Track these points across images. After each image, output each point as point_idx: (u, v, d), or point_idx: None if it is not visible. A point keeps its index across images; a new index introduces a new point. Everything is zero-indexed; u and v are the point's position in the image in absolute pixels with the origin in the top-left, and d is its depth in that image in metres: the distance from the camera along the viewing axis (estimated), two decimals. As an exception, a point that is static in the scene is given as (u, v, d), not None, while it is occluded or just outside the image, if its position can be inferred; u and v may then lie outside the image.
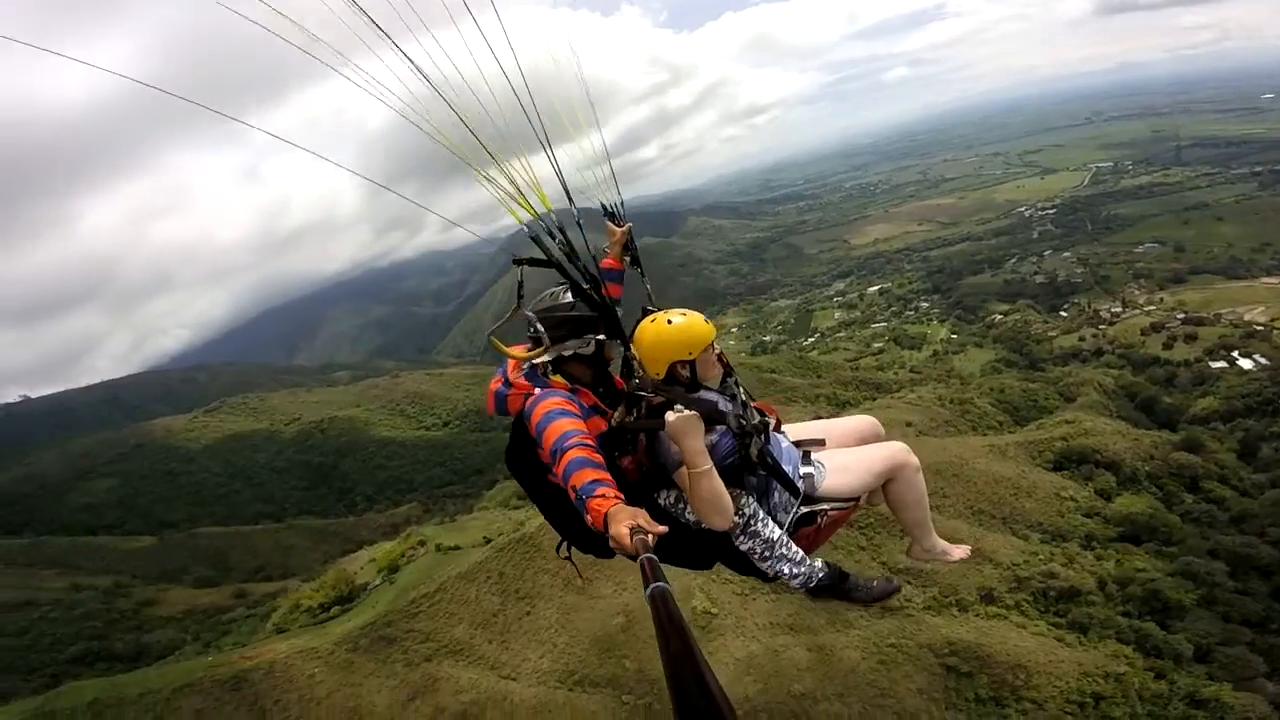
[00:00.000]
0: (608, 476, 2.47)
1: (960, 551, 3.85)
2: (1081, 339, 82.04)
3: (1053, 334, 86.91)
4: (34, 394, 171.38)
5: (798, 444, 3.49)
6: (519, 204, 2.12)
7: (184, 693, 29.58)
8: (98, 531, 75.92)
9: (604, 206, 3.77)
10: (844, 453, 3.52)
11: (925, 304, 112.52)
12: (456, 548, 43.94)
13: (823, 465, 3.38)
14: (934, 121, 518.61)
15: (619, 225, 3.89)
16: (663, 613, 1.27)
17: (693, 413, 2.83)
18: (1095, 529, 41.29)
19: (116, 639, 49.17)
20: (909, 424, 55.46)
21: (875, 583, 3.65)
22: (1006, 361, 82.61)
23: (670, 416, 2.82)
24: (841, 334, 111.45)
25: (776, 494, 3.22)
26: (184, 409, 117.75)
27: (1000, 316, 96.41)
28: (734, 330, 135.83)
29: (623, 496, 2.36)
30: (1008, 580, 36.47)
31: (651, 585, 1.42)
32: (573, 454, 2.55)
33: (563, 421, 2.73)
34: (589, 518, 2.29)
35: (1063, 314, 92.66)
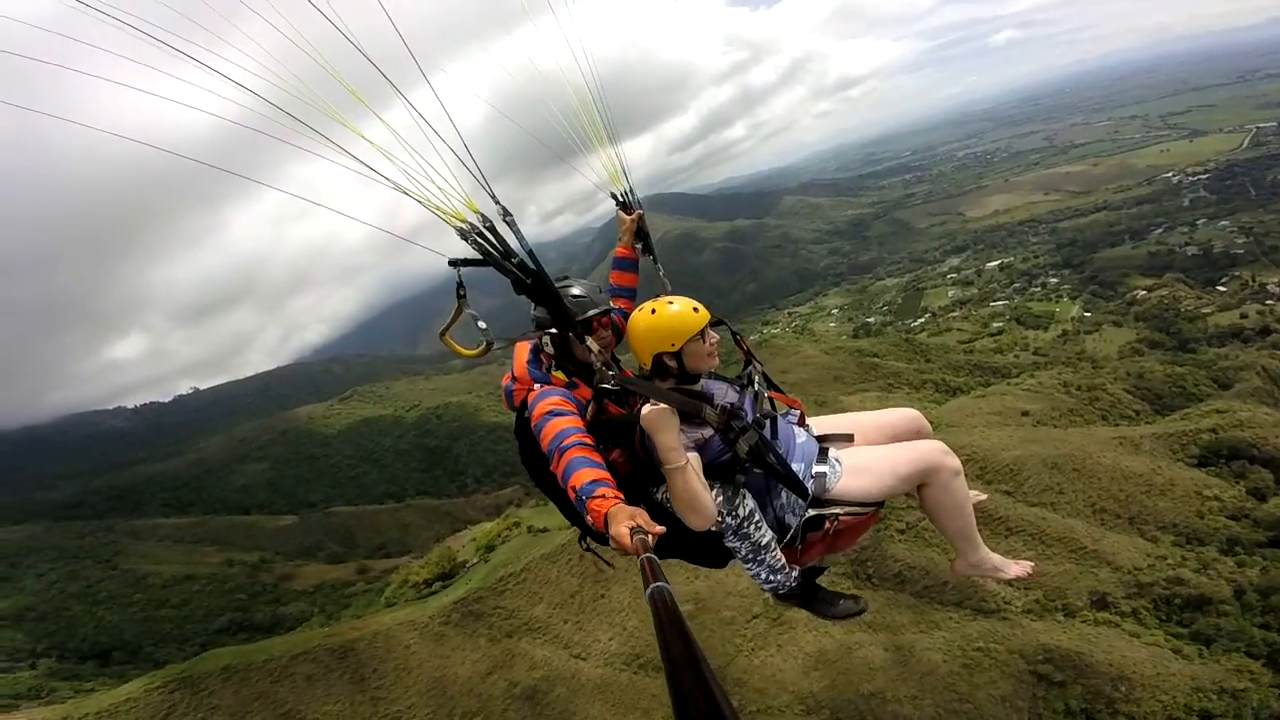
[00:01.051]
0: (607, 476, 2.51)
1: (1018, 569, 3.43)
2: (1243, 316, 71.01)
3: (1207, 311, 75.76)
4: (202, 386, 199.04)
5: (823, 439, 3.25)
6: (447, 212, 2.21)
7: (299, 659, 33.29)
8: (250, 511, 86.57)
9: (614, 196, 3.71)
10: (867, 451, 3.21)
11: (1054, 279, 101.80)
12: (545, 530, 45.89)
13: (839, 464, 3.09)
14: (1056, 85, 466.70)
15: (630, 213, 3.82)
16: (662, 613, 1.28)
17: (664, 406, 2.73)
18: (1241, 532, 36.14)
19: (258, 611, 56.41)
20: (1025, 413, 50.96)
21: (842, 601, 3.38)
22: (1150, 342, 73.03)
23: (645, 410, 2.75)
24: (955, 314, 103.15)
25: (783, 494, 3.03)
26: (323, 398, 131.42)
27: (1144, 293, 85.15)
28: (835, 312, 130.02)
29: (622, 496, 2.40)
30: (1126, 585, 32.99)
31: (651, 585, 1.42)
32: (571, 454, 2.59)
33: (559, 421, 2.77)
34: (589, 518, 2.34)
35: (1220, 288, 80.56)
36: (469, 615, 36.74)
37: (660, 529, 2.10)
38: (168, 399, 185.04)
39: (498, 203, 2.32)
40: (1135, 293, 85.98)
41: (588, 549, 3.19)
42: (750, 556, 3.01)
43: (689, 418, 2.84)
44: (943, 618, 31.19)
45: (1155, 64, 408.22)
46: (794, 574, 3.13)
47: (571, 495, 2.48)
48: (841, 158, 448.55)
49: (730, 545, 3.01)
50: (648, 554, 1.74)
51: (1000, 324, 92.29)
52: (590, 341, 2.90)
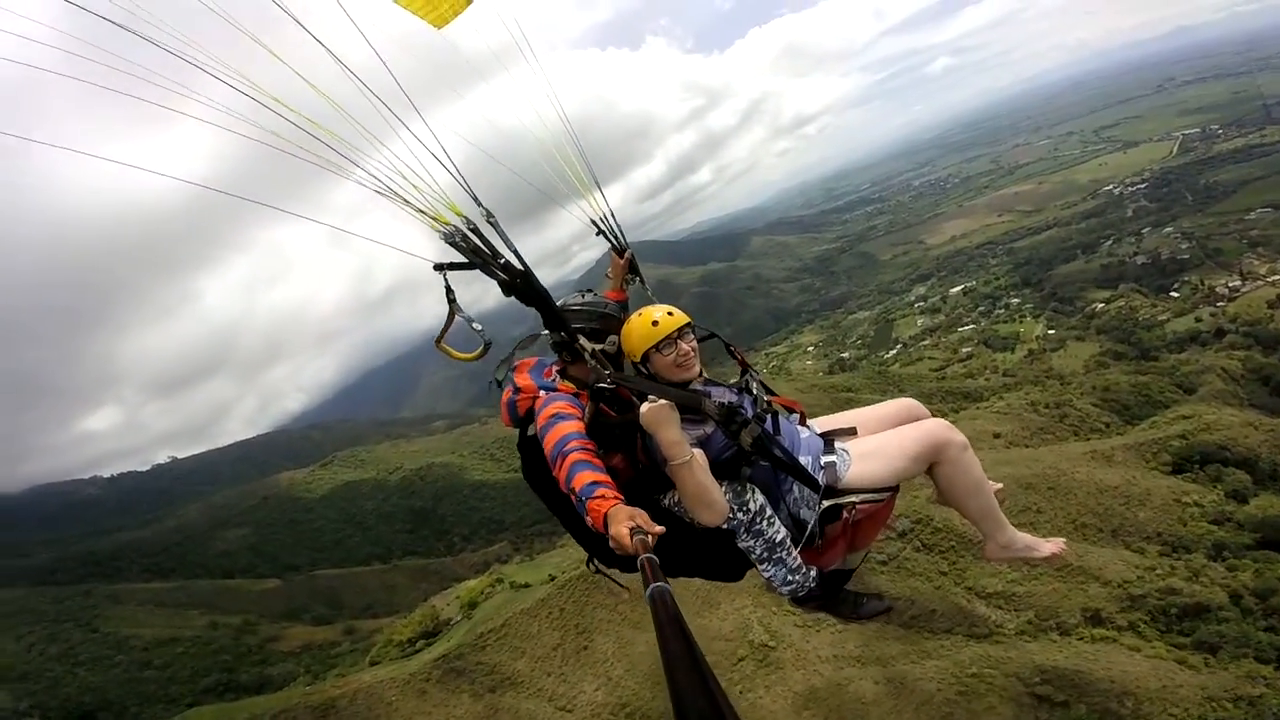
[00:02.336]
0: (607, 478, 2.49)
1: (1052, 546, 3.33)
2: (1198, 320, 73.48)
3: (1164, 318, 78.39)
4: (181, 454, 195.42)
5: (827, 435, 3.21)
6: (430, 216, 2.17)
7: (280, 717, 32.29)
8: (233, 575, 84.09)
9: (597, 224, 3.64)
10: (872, 438, 3.18)
11: (1015, 300, 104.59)
12: (526, 585, 45.63)
13: (846, 453, 3.07)
14: (995, 108, 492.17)
15: (621, 255, 3.78)
16: (662, 613, 1.27)
17: (664, 402, 2.66)
18: (1226, 536, 36.31)
19: (243, 672, 54.69)
20: (996, 435, 51.48)
21: (866, 600, 3.37)
22: (1114, 354, 74.95)
23: (643, 407, 2.68)
24: (926, 342, 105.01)
25: (794, 489, 2.95)
26: (304, 464, 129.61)
27: (1102, 305, 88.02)
28: (810, 349, 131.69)
29: (622, 497, 2.38)
30: (1119, 599, 32.73)
31: (651, 585, 1.42)
32: (573, 458, 2.57)
33: (564, 425, 2.75)
34: (589, 519, 2.32)
35: (1173, 295, 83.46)
36: (451, 672, 36.06)
37: (660, 529, 2.08)
38: (145, 468, 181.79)
39: (480, 205, 2.33)
40: (1094, 306, 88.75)
41: (597, 570, 3.10)
42: (765, 555, 2.94)
43: (689, 415, 2.79)
44: (934, 646, 30.86)
45: (1082, 79, 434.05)
46: (812, 574, 3.05)
47: (573, 498, 2.47)
48: (805, 194, 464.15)
49: (744, 545, 2.94)
50: (648, 554, 1.72)
51: (969, 348, 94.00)
52: (584, 341, 2.88)
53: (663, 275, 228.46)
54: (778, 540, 2.90)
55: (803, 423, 3.25)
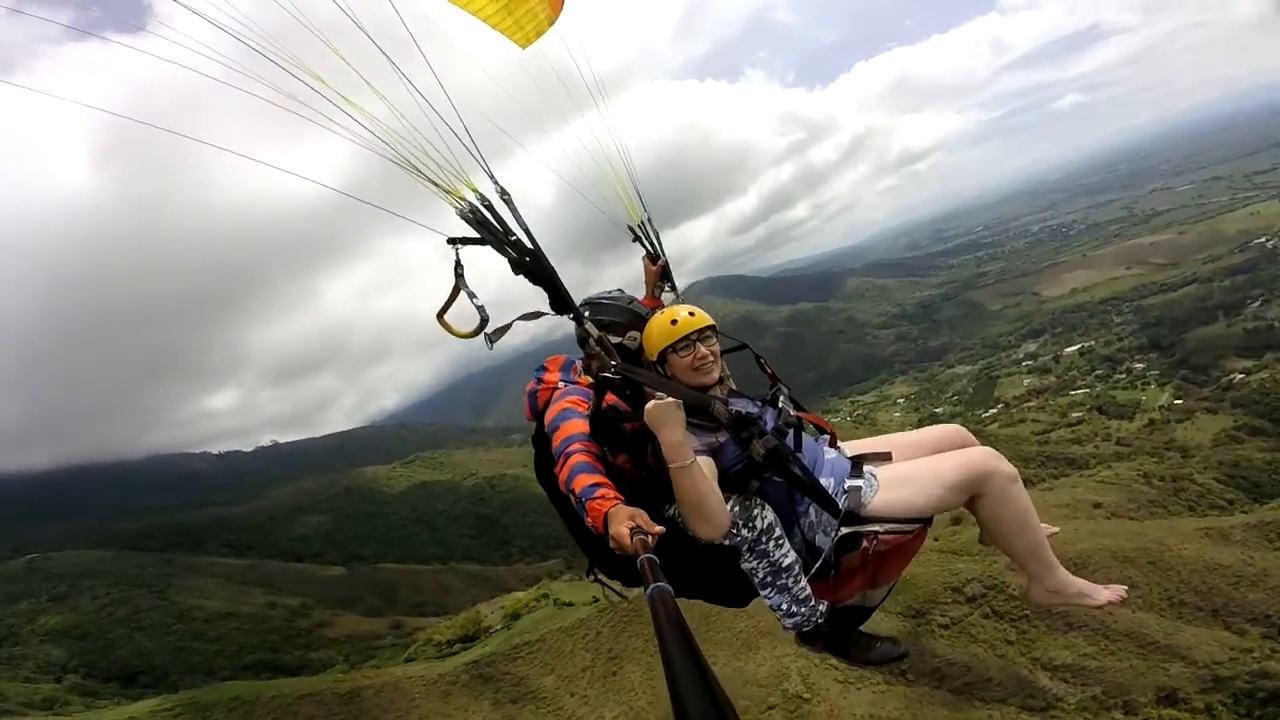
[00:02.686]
0: (608, 481, 2.45)
1: (1110, 593, 2.99)
2: (1359, 400, 63.47)
3: (1318, 395, 68.28)
4: (282, 439, 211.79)
5: (858, 459, 2.92)
6: (447, 190, 2.26)
7: (306, 700, 33.33)
8: (303, 559, 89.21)
9: (633, 230, 3.60)
10: (907, 463, 2.88)
11: (1140, 364, 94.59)
12: (570, 604, 45.32)
13: (874, 477, 2.78)
14: (1132, 148, 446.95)
15: (655, 263, 3.67)
16: (662, 613, 1.25)
17: (670, 400, 2.51)
18: (1347, 620, 30.60)
19: (287, 653, 57.37)
20: (1097, 505, 46.46)
21: (879, 643, 3.05)
22: (1251, 429, 66.09)
23: (650, 405, 2.53)
24: (1031, 403, 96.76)
25: (810, 511, 2.71)
26: (389, 460, 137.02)
27: (1242, 375, 77.80)
28: (900, 401, 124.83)
29: (622, 498, 2.34)
30: (1201, 680, 28.30)
31: (651, 586, 1.41)
32: (574, 459, 2.53)
33: (573, 423, 2.69)
34: (589, 519, 2.29)
35: (1330, 369, 72.72)
36: (478, 677, 36.09)
37: (660, 529, 2.06)
38: (250, 449, 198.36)
39: (496, 183, 2.35)
40: (1233, 376, 78.58)
41: (596, 579, 3.01)
42: (769, 580, 2.69)
43: (701, 420, 2.64)
44: (982, 716, 27.82)
45: (1233, 119, 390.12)
46: (821, 608, 2.76)
47: (573, 499, 2.43)
48: (909, 235, 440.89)
49: (746, 567, 2.71)
50: (647, 554, 1.71)
51: (1080, 413, 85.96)
52: (590, 326, 2.75)
53: (747, 311, 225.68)
54: (784, 565, 2.67)
55: (833, 444, 3.01)
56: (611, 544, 2.06)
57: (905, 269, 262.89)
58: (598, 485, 2.38)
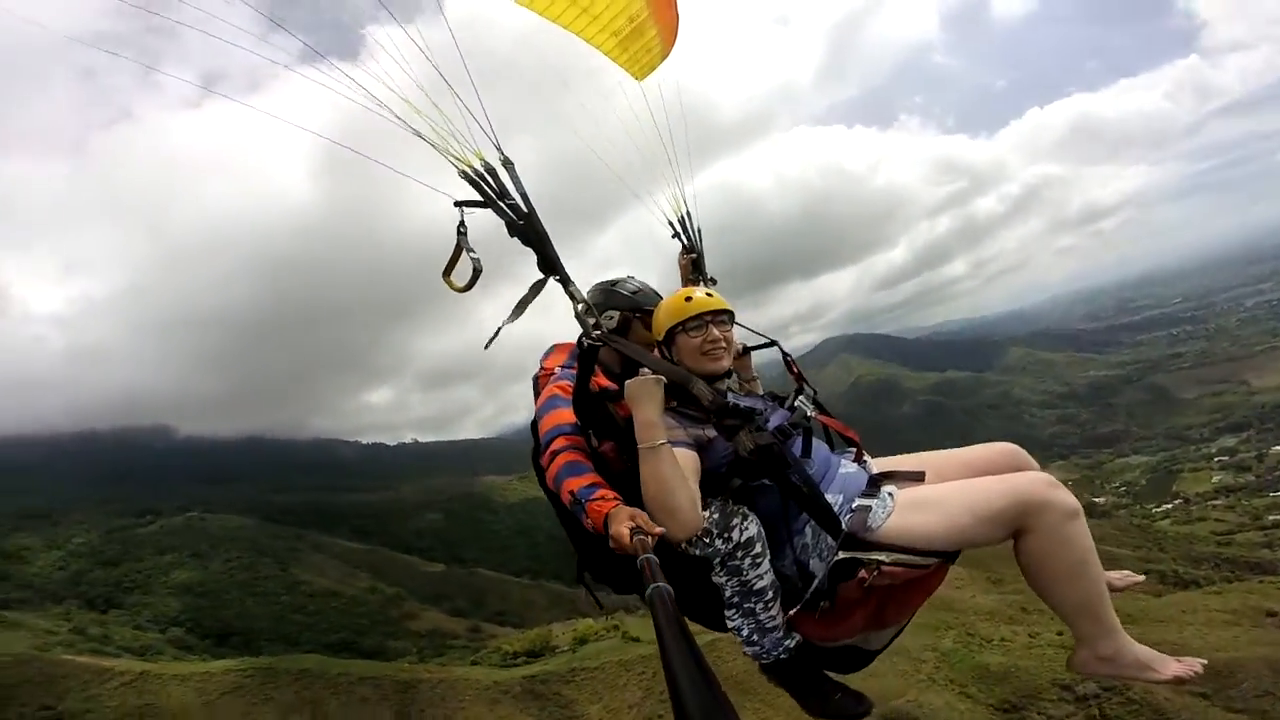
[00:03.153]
0: (604, 481, 2.39)
1: (1180, 667, 2.28)
2: None
3: None
4: (421, 439, 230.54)
5: (882, 476, 2.50)
6: (454, 155, 2.45)
7: (365, 682, 34.88)
8: (412, 552, 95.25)
9: (672, 226, 3.52)
10: (937, 485, 2.42)
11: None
12: (637, 639, 45.10)
13: (890, 497, 2.36)
14: None
15: (687, 254, 3.54)
16: (662, 613, 1.26)
17: (652, 376, 2.38)
18: None
19: (369, 637, 60.99)
20: (1271, 614, 38.04)
21: (841, 696, 2.53)
22: None
23: (630, 381, 2.41)
24: (1218, 502, 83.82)
25: (807, 529, 2.36)
26: (507, 472, 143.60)
27: None
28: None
29: (621, 498, 2.29)
30: None
31: (651, 586, 1.42)
32: (563, 459, 2.46)
33: (560, 411, 2.61)
34: (588, 521, 2.26)
35: None
36: (529, 693, 36.19)
37: (660, 529, 2.03)
38: (393, 443, 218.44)
39: (500, 151, 2.49)
40: None
41: (583, 582, 2.92)
42: (736, 600, 2.39)
43: (692, 410, 2.45)
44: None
45: None
46: (788, 643, 2.43)
47: (567, 499, 2.35)
48: (1088, 304, 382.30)
49: (716, 581, 2.42)
50: (647, 554, 1.70)
51: (1278, 517, 73.06)
52: (575, 289, 2.63)
53: (888, 375, 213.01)
54: (756, 588, 2.37)
55: (859, 459, 2.66)
56: (611, 544, 2.04)
57: (1079, 342, 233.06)
58: (595, 486, 2.33)
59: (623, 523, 2.03)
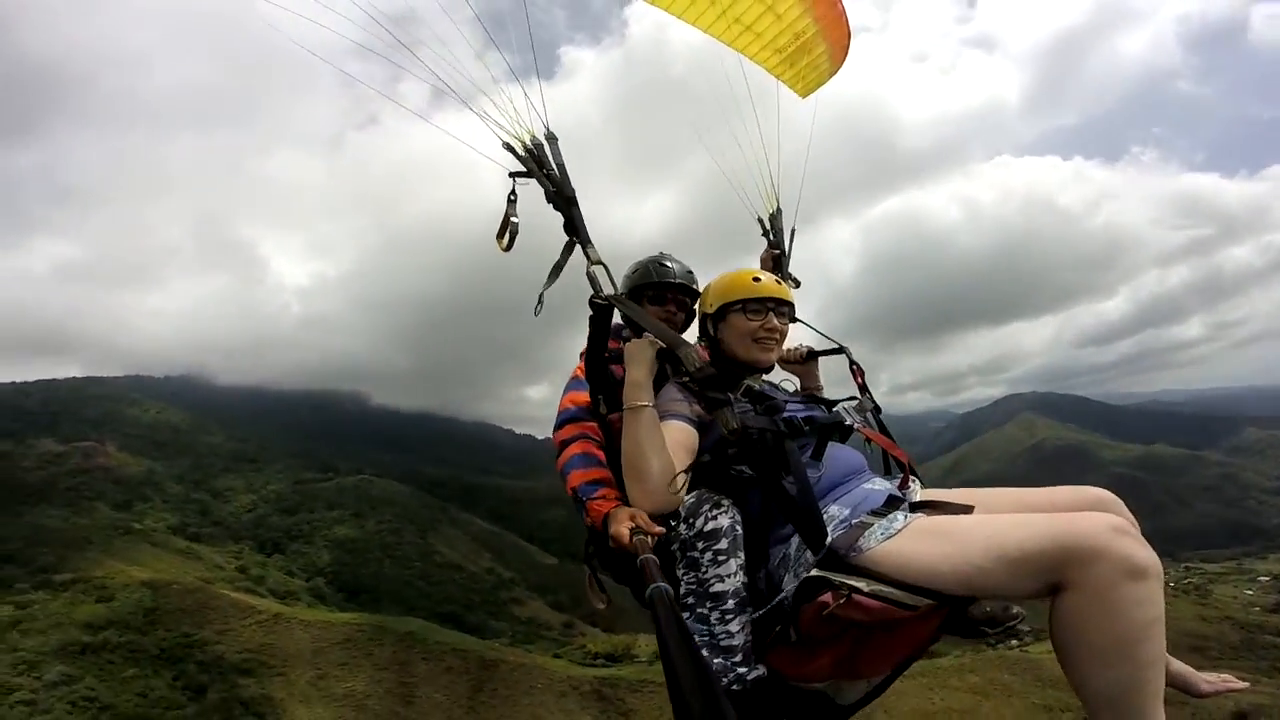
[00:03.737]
0: (608, 475, 2.34)
1: None
2: None
3: None
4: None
5: (924, 505, 2.03)
6: (503, 128, 2.60)
7: (454, 653, 38.36)
8: (534, 541, 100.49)
9: (762, 223, 3.46)
10: (969, 516, 1.91)
11: None
12: None
13: (901, 518, 1.91)
14: None
15: (772, 250, 3.43)
16: (662, 614, 1.26)
17: (647, 338, 2.31)
18: None
19: (474, 614, 65.71)
20: None
21: None
22: None
23: (630, 341, 2.36)
24: None
25: (793, 542, 2.01)
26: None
27: None
28: (1264, 579, 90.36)
29: (623, 498, 2.21)
30: None
31: (651, 585, 1.40)
32: (574, 449, 2.41)
33: (575, 394, 2.57)
34: (587, 519, 2.24)
35: None
36: (595, 693, 37.39)
37: (660, 529, 1.96)
38: (541, 436, 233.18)
39: (546, 127, 2.62)
40: None
41: (589, 565, 2.47)
42: (690, 602, 2.02)
43: (694, 385, 2.24)
44: None
45: None
46: (746, 672, 1.92)
47: (570, 492, 2.34)
48: None
49: (677, 574, 2.10)
50: (647, 554, 1.68)
51: None
52: (591, 251, 2.52)
53: (1080, 441, 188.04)
54: (713, 590, 1.98)
55: (905, 484, 2.22)
56: (611, 543, 1.98)
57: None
58: (598, 483, 2.29)
59: (623, 523, 1.97)
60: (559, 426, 2.48)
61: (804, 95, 3.64)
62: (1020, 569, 1.64)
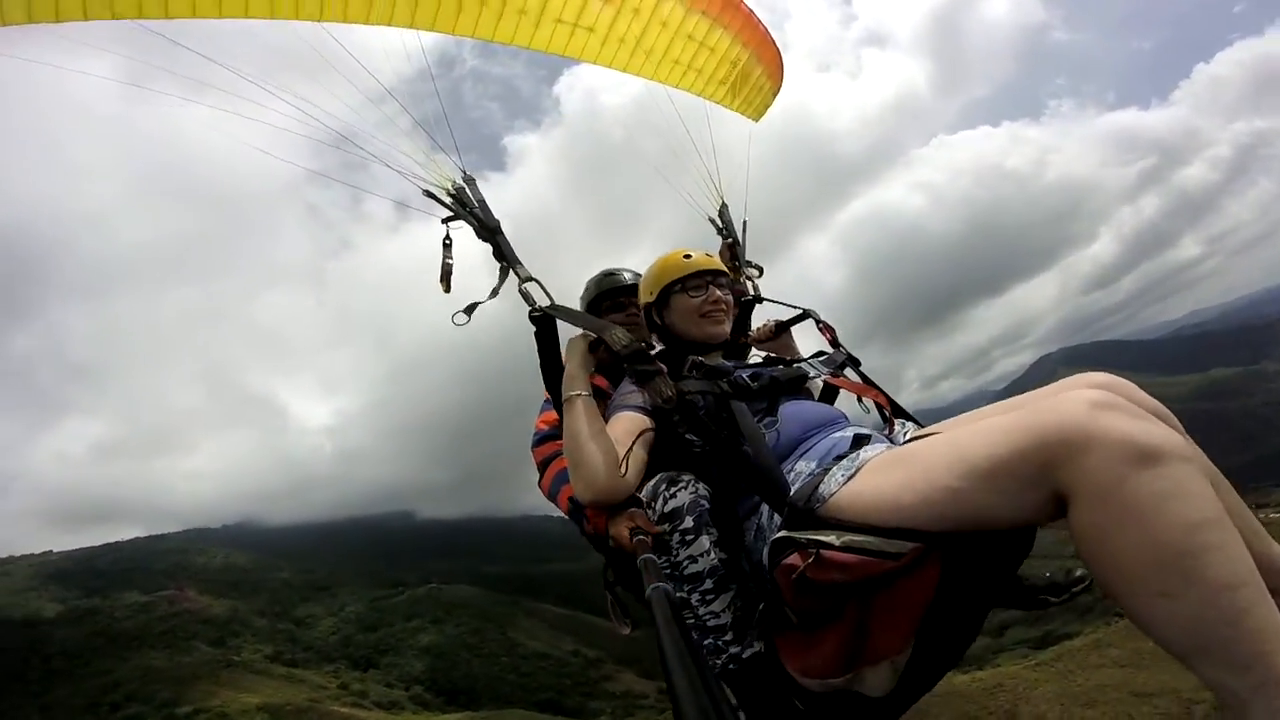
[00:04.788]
0: None
1: None
2: None
3: None
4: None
5: (862, 436, 1.84)
6: (424, 179, 2.61)
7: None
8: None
9: (714, 223, 3.40)
10: (935, 436, 1.54)
11: None
12: None
13: (861, 456, 1.61)
14: None
15: (725, 241, 3.32)
16: (661, 614, 1.21)
17: (582, 333, 2.22)
18: None
19: (571, 697, 66.64)
20: None
21: None
22: None
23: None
24: None
25: (763, 506, 1.75)
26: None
27: None
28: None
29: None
30: None
31: (651, 586, 1.37)
32: (559, 464, 2.33)
33: (548, 413, 2.51)
34: (588, 526, 2.17)
35: None
36: None
37: (659, 529, 1.81)
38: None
39: (464, 171, 2.67)
40: None
41: (610, 590, 2.25)
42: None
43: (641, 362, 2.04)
44: None
45: None
46: (738, 650, 1.67)
47: (565, 506, 2.27)
48: None
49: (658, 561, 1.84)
50: (647, 554, 1.61)
51: None
52: (520, 269, 2.44)
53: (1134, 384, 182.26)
54: (688, 572, 1.76)
55: (891, 427, 2.06)
56: (611, 544, 1.90)
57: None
58: None
59: (622, 524, 1.85)
60: (537, 445, 2.46)
61: (756, 119, 3.74)
62: (997, 482, 1.25)
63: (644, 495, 1.91)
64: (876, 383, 2.29)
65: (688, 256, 2.37)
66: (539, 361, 2.27)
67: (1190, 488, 1.09)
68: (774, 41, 3.62)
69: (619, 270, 2.99)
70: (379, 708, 57.90)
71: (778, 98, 3.84)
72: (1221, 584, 1.04)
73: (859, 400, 2.20)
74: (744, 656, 1.72)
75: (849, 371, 2.34)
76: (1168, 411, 1.43)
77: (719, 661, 1.73)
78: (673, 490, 1.86)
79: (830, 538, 1.44)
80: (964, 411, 1.84)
